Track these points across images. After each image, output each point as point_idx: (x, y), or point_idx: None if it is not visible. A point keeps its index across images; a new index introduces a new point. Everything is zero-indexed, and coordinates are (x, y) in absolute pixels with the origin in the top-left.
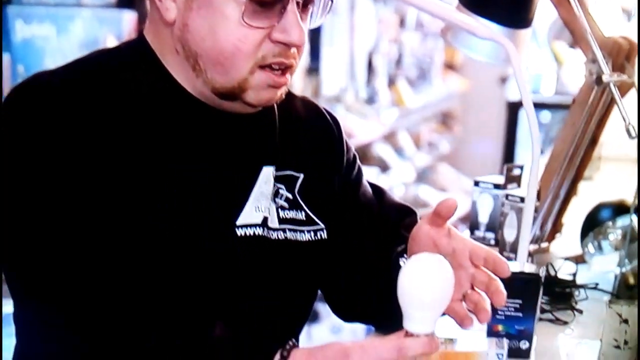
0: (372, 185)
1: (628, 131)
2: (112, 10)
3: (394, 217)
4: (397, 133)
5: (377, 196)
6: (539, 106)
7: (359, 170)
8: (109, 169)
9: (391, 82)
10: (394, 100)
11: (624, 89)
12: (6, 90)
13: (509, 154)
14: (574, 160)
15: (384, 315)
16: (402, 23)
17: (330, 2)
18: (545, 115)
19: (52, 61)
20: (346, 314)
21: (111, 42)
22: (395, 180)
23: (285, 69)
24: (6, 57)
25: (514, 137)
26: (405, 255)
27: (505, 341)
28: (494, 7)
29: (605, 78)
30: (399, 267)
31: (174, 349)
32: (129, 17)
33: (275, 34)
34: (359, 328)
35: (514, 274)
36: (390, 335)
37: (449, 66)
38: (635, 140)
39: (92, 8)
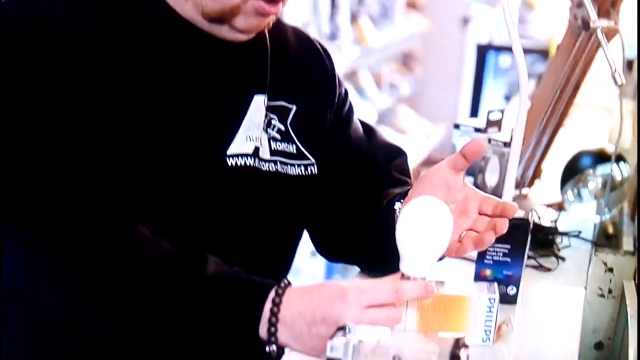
0: (363, 123)
1: (614, 78)
2: None
3: (385, 158)
4: (358, 72)
5: (368, 135)
6: (501, 49)
7: (351, 106)
8: (97, 92)
9: (354, 18)
10: (356, 37)
11: (609, 36)
12: None
13: (475, 98)
14: (558, 107)
15: (370, 257)
16: None
17: None
18: (506, 59)
19: None
20: (331, 254)
21: None
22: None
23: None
24: None
25: (481, 80)
26: (402, 201)
27: (497, 286)
28: None
29: (593, 24)
30: (393, 210)
31: (167, 288)
32: None
33: None
34: (319, 272)
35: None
36: (387, 277)
37: (412, 5)
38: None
39: None
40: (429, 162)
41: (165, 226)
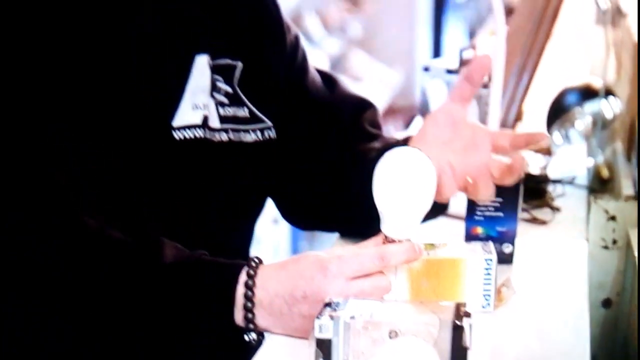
0: (320, 72)
1: (597, 3)
2: None
3: (352, 110)
4: (303, 15)
5: (328, 85)
6: None
7: (304, 54)
8: (23, 64)
9: None
10: None
11: None
12: None
13: (436, 36)
14: (537, 39)
15: (349, 221)
16: None
17: None
18: None
19: None
20: (303, 221)
21: None
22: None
23: None
24: None
25: (440, 16)
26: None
27: (492, 245)
28: None
29: None
30: (372, 166)
31: (122, 283)
32: None
33: None
34: (282, 241)
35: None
36: (367, 242)
37: None
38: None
39: None
40: (391, 110)
41: (112, 212)
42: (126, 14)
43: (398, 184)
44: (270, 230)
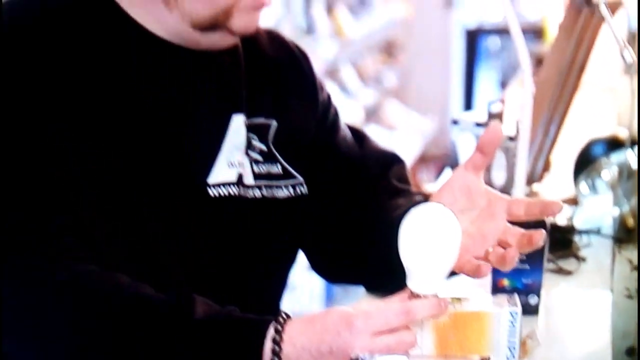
0: (351, 128)
1: (622, 56)
2: None
3: (380, 166)
4: (339, 67)
5: (358, 141)
6: (488, 32)
7: (336, 112)
8: (66, 125)
9: (329, 9)
10: (333, 29)
11: (612, 9)
12: None
13: (467, 87)
14: (565, 91)
15: (375, 275)
16: None
17: None
18: (495, 41)
19: None
20: (332, 275)
21: None
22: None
23: None
24: None
25: (473, 67)
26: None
27: (517, 297)
28: None
29: None
30: (398, 222)
31: (153, 338)
32: None
33: None
34: (316, 288)
35: (514, 222)
36: (394, 297)
37: None
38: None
39: None
40: (424, 159)
41: (146, 269)
42: (169, 76)
43: (424, 240)
44: (305, 277)
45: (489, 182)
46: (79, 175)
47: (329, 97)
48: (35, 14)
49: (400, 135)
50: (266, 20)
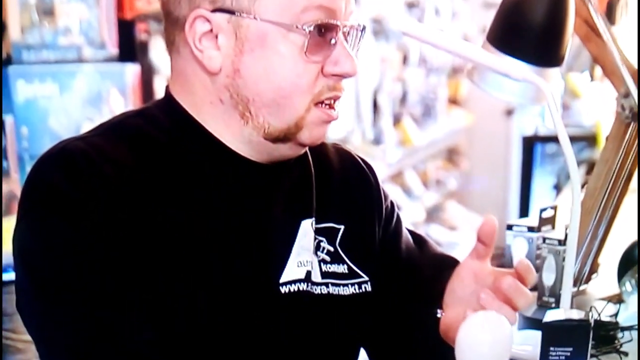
0: (412, 233)
1: None
2: (114, 64)
3: (438, 269)
4: (403, 173)
5: (419, 246)
6: (547, 139)
7: (398, 218)
8: (147, 238)
9: (396, 120)
10: (399, 139)
11: None
12: (11, 154)
13: (524, 191)
14: (611, 198)
15: None
16: (405, 60)
17: (361, 32)
18: (552, 146)
19: (56, 120)
20: None
21: (115, 97)
22: (405, 221)
23: (334, 102)
24: (9, 118)
25: (530, 172)
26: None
27: None
28: (526, 46)
29: None
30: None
31: None
32: (131, 70)
33: (328, 67)
34: None
35: (561, 321)
36: None
37: (453, 101)
38: None
39: (94, 63)
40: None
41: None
42: (246, 188)
43: (479, 345)
44: None
45: (540, 283)
46: (159, 284)
47: (392, 205)
48: (126, 132)
49: (460, 235)
50: (337, 132)
